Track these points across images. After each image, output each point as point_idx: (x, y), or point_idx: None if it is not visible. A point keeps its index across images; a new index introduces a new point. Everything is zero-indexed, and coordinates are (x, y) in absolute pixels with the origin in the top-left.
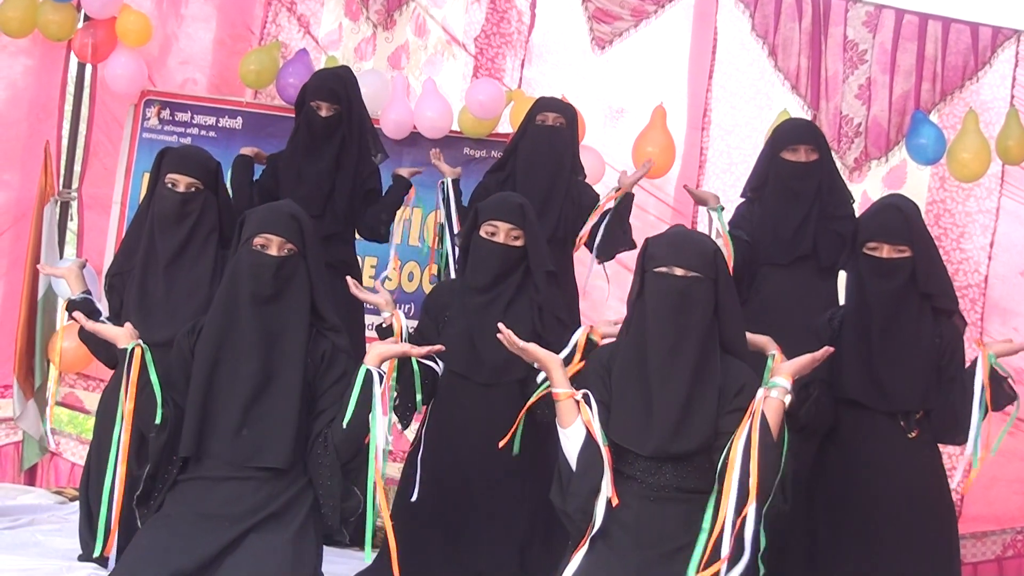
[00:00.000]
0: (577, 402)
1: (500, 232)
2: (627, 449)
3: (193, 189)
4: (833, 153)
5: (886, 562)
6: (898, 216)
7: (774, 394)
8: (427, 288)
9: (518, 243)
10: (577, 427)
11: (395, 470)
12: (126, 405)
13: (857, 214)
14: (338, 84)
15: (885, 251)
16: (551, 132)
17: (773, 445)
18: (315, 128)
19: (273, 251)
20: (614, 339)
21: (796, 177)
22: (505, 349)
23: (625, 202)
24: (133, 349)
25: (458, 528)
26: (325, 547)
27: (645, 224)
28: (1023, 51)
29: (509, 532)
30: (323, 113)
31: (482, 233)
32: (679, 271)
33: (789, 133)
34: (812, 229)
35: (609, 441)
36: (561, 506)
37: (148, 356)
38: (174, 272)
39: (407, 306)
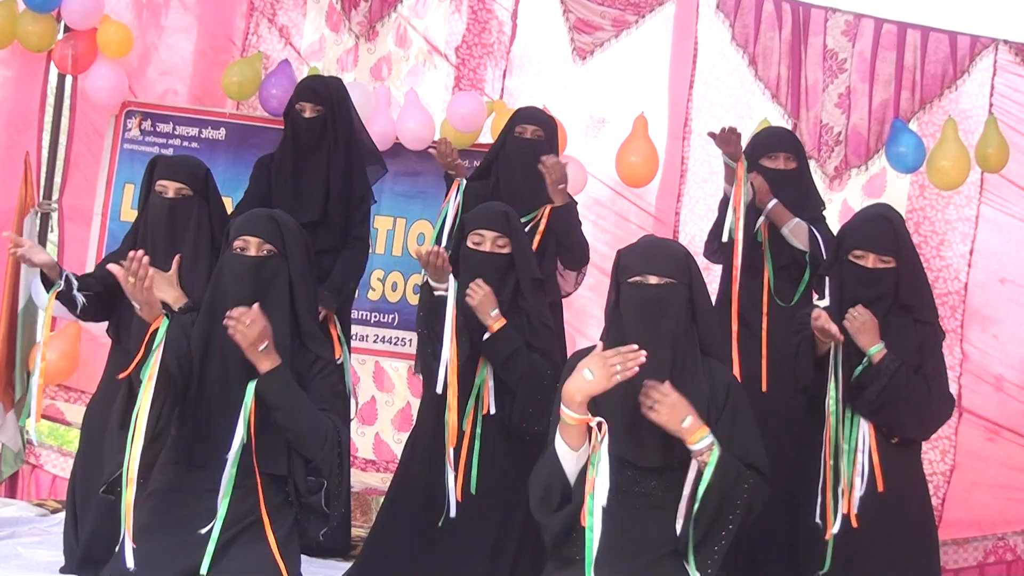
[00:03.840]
0: (590, 428)
1: (486, 241)
2: (613, 456)
3: (182, 195)
4: (813, 162)
5: (866, 564)
6: (886, 226)
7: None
8: (411, 299)
9: (505, 250)
10: (581, 453)
11: (379, 480)
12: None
13: (835, 222)
14: (321, 86)
15: (871, 260)
16: (530, 145)
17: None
18: (299, 130)
19: (252, 252)
20: None
21: (774, 184)
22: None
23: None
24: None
25: (448, 538)
26: (306, 557)
27: (627, 233)
28: (1001, 60)
29: (501, 544)
30: (306, 114)
31: (469, 243)
32: (653, 279)
33: (768, 141)
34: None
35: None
36: (544, 519)
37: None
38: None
39: (391, 316)
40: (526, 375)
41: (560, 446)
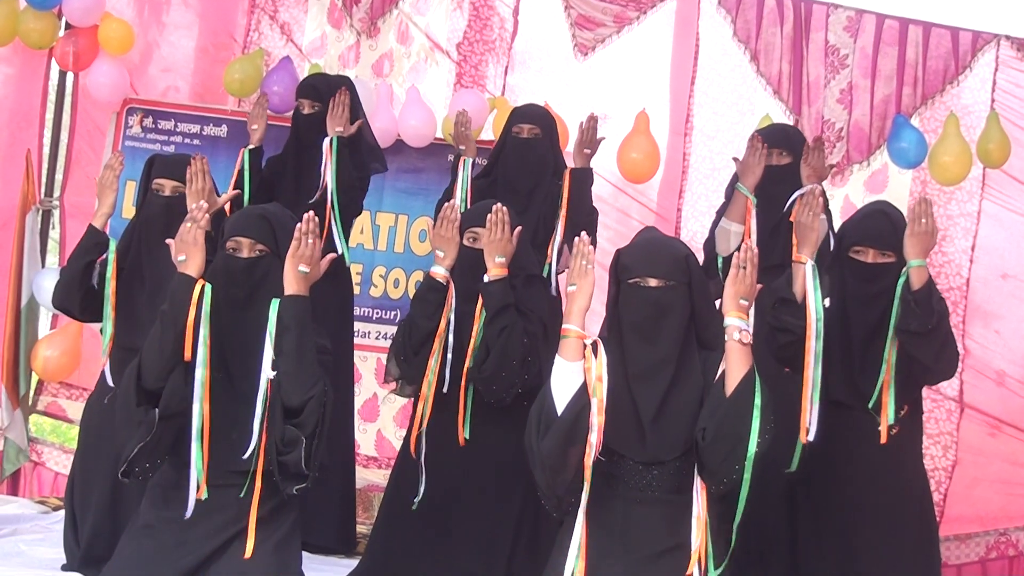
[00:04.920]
0: (585, 347)
1: (481, 238)
2: (614, 451)
3: (179, 193)
4: None
5: (867, 563)
6: (885, 222)
7: (736, 336)
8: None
9: None
10: (576, 368)
11: (381, 477)
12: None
13: (837, 219)
14: (321, 83)
15: (871, 256)
16: (527, 144)
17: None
18: (299, 126)
19: (244, 253)
20: None
21: (769, 180)
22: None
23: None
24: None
25: (446, 534)
26: (310, 555)
27: (629, 229)
28: (1003, 55)
29: (496, 537)
30: (305, 111)
31: (465, 242)
32: (652, 282)
33: (764, 138)
34: (784, 237)
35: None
36: (534, 447)
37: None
38: (159, 281)
39: (392, 312)
40: (508, 333)
41: (557, 364)
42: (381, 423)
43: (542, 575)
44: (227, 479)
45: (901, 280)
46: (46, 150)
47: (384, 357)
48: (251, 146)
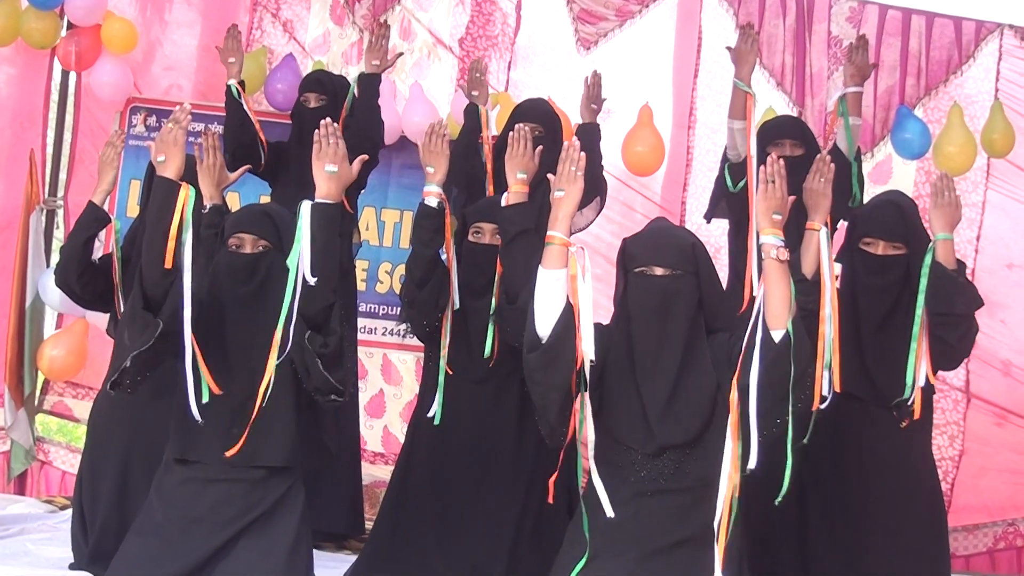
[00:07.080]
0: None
1: (486, 233)
2: (620, 442)
3: None
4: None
5: (876, 552)
6: (896, 213)
7: (772, 255)
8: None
9: None
10: (560, 276)
11: (386, 472)
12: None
13: None
14: (325, 77)
15: (881, 247)
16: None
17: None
18: (304, 120)
19: (247, 249)
20: None
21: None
22: (494, 348)
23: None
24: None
25: (450, 523)
26: (316, 551)
27: (633, 223)
28: (1007, 44)
29: (499, 528)
30: (311, 104)
31: (470, 237)
32: (658, 271)
33: (774, 128)
34: (794, 229)
35: (608, 437)
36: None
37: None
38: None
39: (398, 308)
40: (527, 260)
41: (540, 275)
42: (387, 419)
43: (551, 569)
44: (230, 473)
45: (928, 256)
46: (49, 150)
47: (390, 353)
48: (232, 81)
